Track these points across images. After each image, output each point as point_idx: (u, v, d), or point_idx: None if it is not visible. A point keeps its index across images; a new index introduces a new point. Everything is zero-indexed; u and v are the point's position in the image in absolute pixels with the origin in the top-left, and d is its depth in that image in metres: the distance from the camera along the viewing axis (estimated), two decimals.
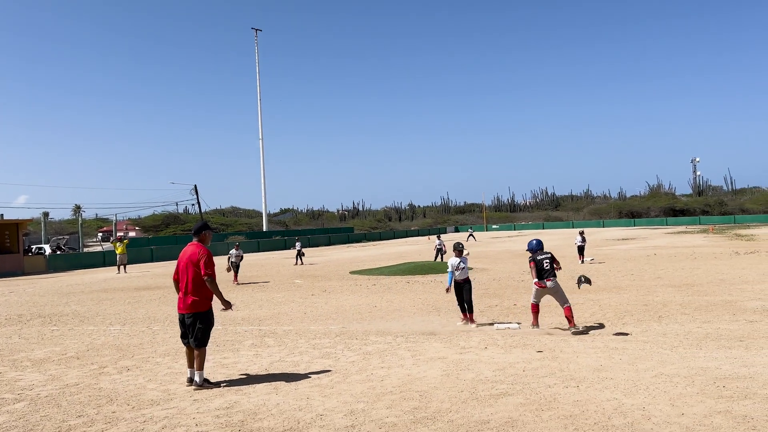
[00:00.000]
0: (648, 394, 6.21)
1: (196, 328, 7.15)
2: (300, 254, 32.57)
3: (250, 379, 7.53)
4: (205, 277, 7.14)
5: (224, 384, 7.31)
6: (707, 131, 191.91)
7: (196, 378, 7.19)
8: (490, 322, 11.31)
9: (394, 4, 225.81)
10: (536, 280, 10.33)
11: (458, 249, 11.41)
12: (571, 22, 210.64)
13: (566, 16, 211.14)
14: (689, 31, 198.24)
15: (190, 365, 7.31)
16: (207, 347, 7.40)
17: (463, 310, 11.24)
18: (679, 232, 55.67)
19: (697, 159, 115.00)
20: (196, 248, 7.29)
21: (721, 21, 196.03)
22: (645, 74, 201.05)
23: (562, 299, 10.22)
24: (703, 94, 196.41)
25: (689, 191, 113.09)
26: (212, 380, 7.41)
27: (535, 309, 10.49)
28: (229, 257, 22.33)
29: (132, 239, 59.97)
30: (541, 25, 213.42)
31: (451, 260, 11.30)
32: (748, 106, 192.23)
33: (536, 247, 10.49)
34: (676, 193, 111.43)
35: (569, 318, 10.03)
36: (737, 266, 20.56)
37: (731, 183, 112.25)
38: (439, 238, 31.45)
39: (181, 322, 7.32)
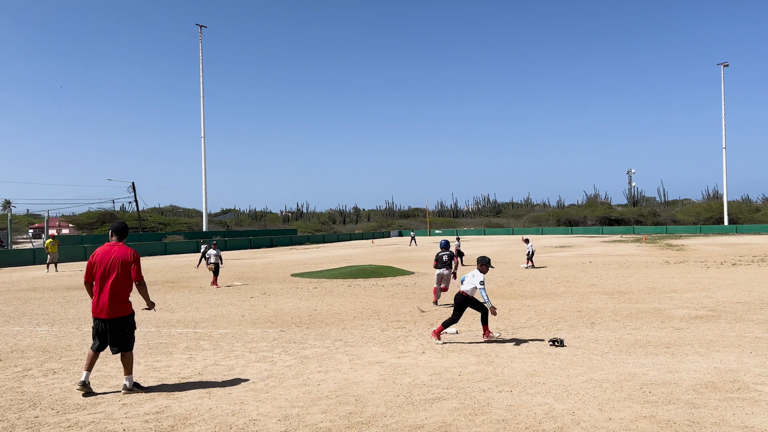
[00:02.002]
0: (578, 399, 6.37)
1: (124, 333, 6.91)
2: (204, 255, 28.89)
3: (182, 384, 7.35)
4: (137, 281, 6.98)
5: (155, 389, 7.11)
6: (642, 144, 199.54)
7: (126, 382, 6.95)
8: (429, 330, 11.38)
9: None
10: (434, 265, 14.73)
11: (485, 263, 9.89)
12: (510, 34, 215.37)
13: (504, 27, 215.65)
14: (626, 47, 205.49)
15: (89, 368, 6.90)
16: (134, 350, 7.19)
17: (445, 325, 9.81)
18: (613, 241, 57.45)
19: (633, 170, 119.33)
20: (126, 250, 7.04)
21: (657, 39, 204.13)
22: (584, 89, 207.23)
23: (446, 284, 14.48)
24: (640, 108, 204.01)
25: (624, 201, 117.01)
26: (143, 384, 7.20)
27: (435, 290, 14.60)
28: (207, 258, 20.83)
29: (64, 237, 57.87)
30: (485, 37, 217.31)
31: (480, 276, 9.70)
32: (681, 121, 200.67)
33: (442, 245, 14.81)
34: (612, 203, 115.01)
35: (438, 296, 14.55)
36: (667, 275, 21.36)
37: (664, 194, 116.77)
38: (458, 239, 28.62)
39: (99, 328, 6.89)
